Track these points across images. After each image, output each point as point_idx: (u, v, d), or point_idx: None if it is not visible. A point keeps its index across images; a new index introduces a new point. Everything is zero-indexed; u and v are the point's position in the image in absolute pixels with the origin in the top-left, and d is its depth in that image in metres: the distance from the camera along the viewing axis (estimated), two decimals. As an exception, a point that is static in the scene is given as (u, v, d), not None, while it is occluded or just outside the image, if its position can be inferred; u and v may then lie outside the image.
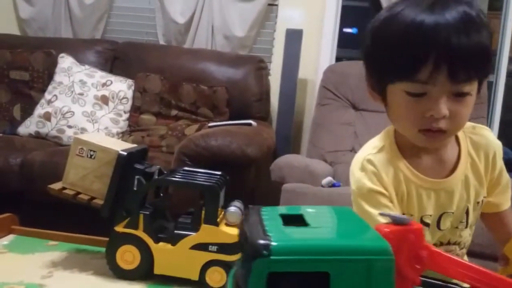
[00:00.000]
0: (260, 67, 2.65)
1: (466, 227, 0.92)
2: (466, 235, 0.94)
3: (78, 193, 1.09)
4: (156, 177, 1.13)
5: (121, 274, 1.06)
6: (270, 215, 0.57)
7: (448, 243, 0.92)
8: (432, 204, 0.87)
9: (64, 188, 1.09)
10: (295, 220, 0.57)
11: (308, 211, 0.59)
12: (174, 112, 2.49)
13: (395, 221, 0.55)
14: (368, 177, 0.85)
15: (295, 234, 0.50)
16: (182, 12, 2.87)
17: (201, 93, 2.49)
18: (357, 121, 2.44)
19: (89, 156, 1.06)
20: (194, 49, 2.78)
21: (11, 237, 1.26)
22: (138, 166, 1.08)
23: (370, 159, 0.86)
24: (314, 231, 0.52)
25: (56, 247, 1.23)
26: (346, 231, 0.54)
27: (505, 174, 0.95)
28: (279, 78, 2.66)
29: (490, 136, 0.93)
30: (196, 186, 1.07)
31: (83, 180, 1.08)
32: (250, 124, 2.28)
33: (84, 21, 2.97)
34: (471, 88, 0.79)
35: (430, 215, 0.87)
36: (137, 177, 1.05)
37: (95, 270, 1.11)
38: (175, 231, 1.06)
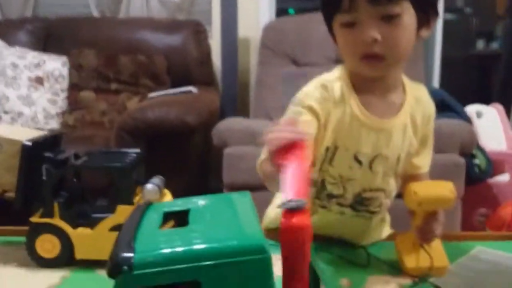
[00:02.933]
0: (198, 30, 2.59)
1: (395, 174, 0.94)
2: (392, 184, 0.96)
3: (-11, 187, 1.06)
4: (70, 159, 1.10)
5: (43, 263, 1.04)
6: (153, 215, 0.56)
7: (377, 190, 0.94)
8: (370, 143, 0.89)
9: (-26, 184, 1.06)
10: (179, 217, 0.56)
11: (198, 205, 0.59)
12: (113, 86, 2.43)
13: (288, 207, 0.50)
14: (315, 96, 0.87)
15: (164, 240, 0.47)
16: (113, -21, 2.77)
17: (139, 64, 2.43)
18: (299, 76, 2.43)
19: (-7, 149, 1.03)
20: (128, 19, 2.70)
21: None
22: (47, 154, 1.05)
23: (326, 85, 0.89)
24: (187, 233, 0.49)
25: (-21, 242, 1.20)
26: (223, 230, 0.50)
27: (432, 139, 0.98)
28: (220, 40, 2.61)
29: (426, 94, 0.97)
30: (104, 168, 1.05)
31: (-9, 173, 1.04)
32: (190, 91, 2.25)
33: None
34: (401, 9, 0.81)
35: (365, 154, 0.89)
36: (45, 166, 1.02)
37: (18, 261, 1.09)
38: (93, 215, 1.05)
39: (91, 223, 1.03)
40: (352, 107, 0.88)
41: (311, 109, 0.86)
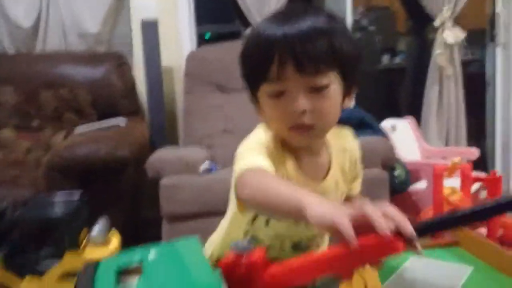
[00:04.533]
0: (121, 62, 2.58)
1: None
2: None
3: None
4: (8, 212, 1.07)
5: (-11, 320, 1.01)
6: (105, 274, 0.57)
7: (314, 238, 0.96)
8: None
9: None
10: (131, 274, 0.58)
11: (149, 258, 0.60)
12: (35, 122, 2.36)
13: (237, 250, 0.57)
14: (267, 148, 0.85)
15: None
16: (26, 14, 2.68)
17: (62, 98, 2.38)
18: (225, 102, 2.50)
19: None
20: (46, 53, 2.63)
21: None
22: (-15, 207, 1.02)
23: (269, 142, 0.86)
24: None
25: None
26: (176, 282, 0.53)
27: (360, 166, 1.01)
28: (143, 70, 2.62)
29: (351, 138, 1.00)
30: (45, 220, 1.05)
31: None
32: (118, 125, 2.23)
33: None
34: (329, 80, 0.81)
35: None
36: (-17, 220, 1.00)
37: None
38: (40, 264, 1.04)
39: (39, 273, 1.01)
40: (289, 170, 0.88)
41: (267, 152, 0.84)
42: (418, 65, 3.39)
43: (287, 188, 0.72)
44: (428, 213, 1.90)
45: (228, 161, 2.35)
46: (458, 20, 2.81)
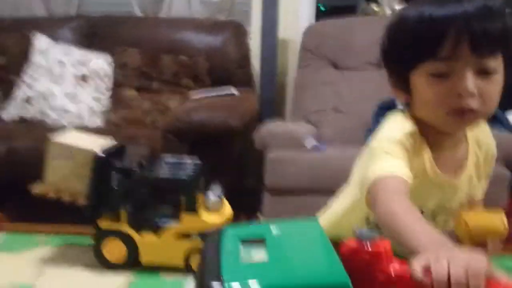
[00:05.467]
0: (239, 32, 2.62)
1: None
2: (452, 224, 0.92)
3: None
4: (137, 169, 1.15)
5: (109, 266, 1.10)
6: (230, 242, 0.58)
7: None
8: (436, 198, 0.87)
9: (46, 189, 1.11)
10: (256, 246, 0.58)
11: (272, 233, 0.60)
12: (155, 85, 2.48)
13: (361, 237, 0.55)
14: (405, 143, 0.81)
15: (250, 273, 0.50)
16: (155, -21, 2.80)
17: (181, 64, 2.47)
18: (339, 80, 2.44)
19: (66, 157, 1.08)
20: (170, 19, 2.74)
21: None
22: (116, 163, 1.10)
23: (408, 134, 0.82)
24: (270, 267, 0.52)
25: (46, 243, 1.26)
26: (304, 263, 0.53)
27: (492, 166, 0.95)
28: (259, 42, 2.63)
29: (489, 134, 0.94)
30: (171, 180, 1.10)
31: (63, 180, 1.10)
32: (232, 94, 2.28)
33: (56, -3, 2.89)
34: (497, 64, 0.78)
35: (429, 208, 0.87)
36: (116, 175, 1.07)
37: (85, 264, 1.15)
38: (158, 222, 1.10)
39: (156, 230, 1.08)
40: (425, 164, 0.84)
41: (403, 153, 0.80)
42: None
43: (415, 228, 0.67)
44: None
45: (335, 140, 2.30)
46: None
